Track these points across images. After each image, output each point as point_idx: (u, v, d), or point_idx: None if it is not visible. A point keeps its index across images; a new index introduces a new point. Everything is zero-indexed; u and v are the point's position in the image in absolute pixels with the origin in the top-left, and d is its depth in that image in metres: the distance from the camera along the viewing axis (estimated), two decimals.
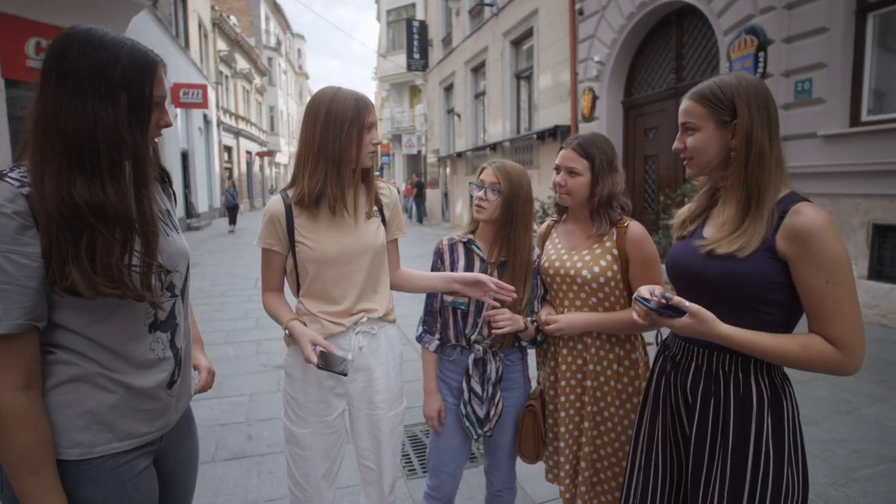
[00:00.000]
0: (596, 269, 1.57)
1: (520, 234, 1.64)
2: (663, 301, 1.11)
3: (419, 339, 1.77)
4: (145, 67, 0.99)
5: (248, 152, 28.50)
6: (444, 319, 1.71)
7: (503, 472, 1.79)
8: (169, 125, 1.11)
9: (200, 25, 18.85)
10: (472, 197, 1.70)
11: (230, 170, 24.08)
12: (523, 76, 12.27)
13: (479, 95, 15.02)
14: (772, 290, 1.10)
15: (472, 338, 1.67)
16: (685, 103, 1.24)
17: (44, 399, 0.97)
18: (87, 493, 1.00)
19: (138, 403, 1.05)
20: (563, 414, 1.63)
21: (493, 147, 12.95)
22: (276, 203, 1.52)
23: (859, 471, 2.51)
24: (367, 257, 1.55)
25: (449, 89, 17.51)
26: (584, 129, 9.01)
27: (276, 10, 36.50)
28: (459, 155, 15.87)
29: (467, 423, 1.69)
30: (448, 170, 17.58)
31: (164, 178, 1.21)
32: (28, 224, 0.90)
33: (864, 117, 5.02)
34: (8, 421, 0.91)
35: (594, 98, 8.64)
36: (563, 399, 1.63)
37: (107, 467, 1.02)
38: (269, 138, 34.62)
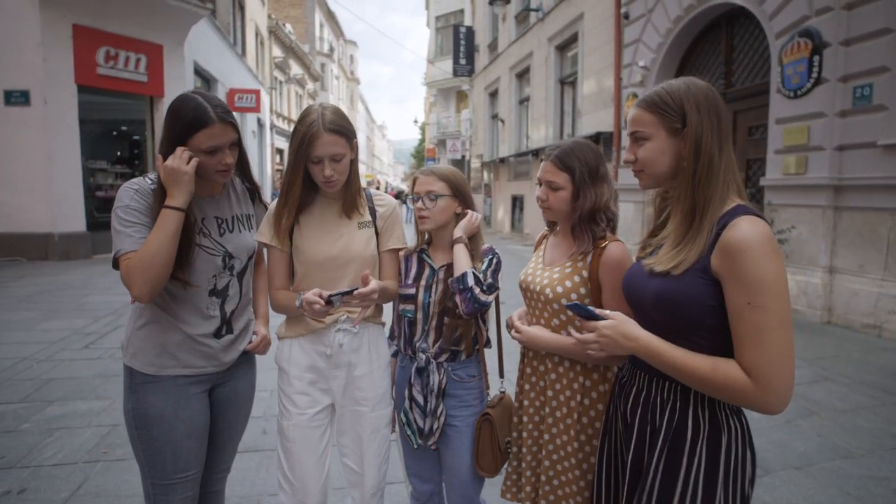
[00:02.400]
0: (559, 288, 1.45)
1: (476, 236, 1.64)
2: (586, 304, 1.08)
3: None
4: (196, 125, 1.36)
5: None
6: (401, 327, 1.72)
7: (458, 500, 1.68)
8: (228, 164, 1.45)
9: (257, 33, 19.70)
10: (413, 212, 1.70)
11: (281, 171, 24.98)
12: (567, 81, 12.08)
13: (524, 101, 14.91)
14: (706, 314, 1.02)
15: (417, 345, 1.65)
16: (633, 111, 1.16)
17: (135, 333, 1.46)
18: (154, 399, 1.44)
19: (194, 345, 1.47)
20: (525, 434, 1.57)
21: (536, 153, 12.80)
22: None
23: None
24: (354, 266, 1.59)
25: (494, 95, 17.49)
26: (627, 136, 8.74)
27: (331, 17, 37.66)
28: (502, 161, 15.79)
29: (408, 432, 1.65)
30: (491, 175, 17.53)
31: (252, 192, 1.67)
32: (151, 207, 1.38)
33: None
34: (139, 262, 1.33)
35: None
36: (525, 419, 1.57)
37: (170, 384, 1.45)
38: None
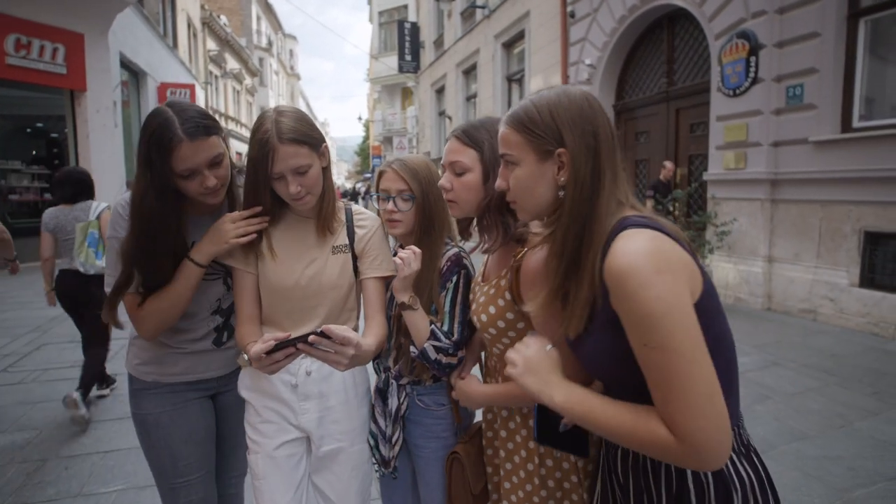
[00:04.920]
0: (483, 316, 1.17)
1: (438, 241, 1.39)
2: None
3: None
4: (161, 147, 1.20)
5: (238, 153, 28.08)
6: None
7: None
8: (210, 187, 1.29)
9: (190, 24, 18.60)
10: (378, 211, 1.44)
11: None
12: (514, 79, 12.19)
13: (471, 98, 14.92)
14: (628, 368, 0.82)
15: (384, 364, 1.48)
16: (501, 128, 0.95)
17: (133, 341, 1.46)
18: (150, 405, 1.44)
19: (196, 356, 1.45)
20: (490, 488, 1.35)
21: None
22: None
23: (854, 490, 2.41)
24: (328, 298, 1.40)
25: (440, 91, 17.41)
26: None
27: (268, 10, 36.23)
28: None
29: (374, 459, 1.48)
30: (439, 171, 17.44)
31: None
32: None
33: (856, 123, 4.97)
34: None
35: None
36: (490, 470, 1.35)
37: (166, 390, 1.45)
38: None
